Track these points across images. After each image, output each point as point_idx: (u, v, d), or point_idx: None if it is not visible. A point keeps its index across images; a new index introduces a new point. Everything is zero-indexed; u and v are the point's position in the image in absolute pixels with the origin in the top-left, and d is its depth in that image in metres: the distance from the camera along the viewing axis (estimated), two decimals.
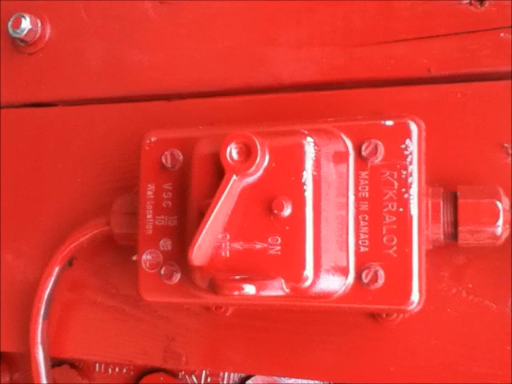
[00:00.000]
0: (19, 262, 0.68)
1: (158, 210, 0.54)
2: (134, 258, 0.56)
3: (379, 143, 0.49)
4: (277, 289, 0.47)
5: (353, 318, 0.57)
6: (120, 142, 0.66)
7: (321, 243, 0.48)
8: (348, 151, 0.50)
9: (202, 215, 0.48)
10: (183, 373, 0.72)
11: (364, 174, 0.50)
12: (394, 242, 0.49)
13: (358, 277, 0.49)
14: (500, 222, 0.50)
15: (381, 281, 0.48)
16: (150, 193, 0.54)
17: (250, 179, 0.48)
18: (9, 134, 0.70)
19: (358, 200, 0.50)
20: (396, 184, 0.49)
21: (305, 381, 0.66)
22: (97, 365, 0.74)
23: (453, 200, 0.51)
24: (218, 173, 0.49)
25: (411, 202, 0.49)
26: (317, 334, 0.58)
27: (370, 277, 0.49)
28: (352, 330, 0.58)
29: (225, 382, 0.71)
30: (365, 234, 0.49)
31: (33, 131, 0.69)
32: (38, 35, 0.68)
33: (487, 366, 0.54)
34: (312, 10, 0.60)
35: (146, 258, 0.54)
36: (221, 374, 0.71)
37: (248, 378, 0.70)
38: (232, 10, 0.63)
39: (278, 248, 0.48)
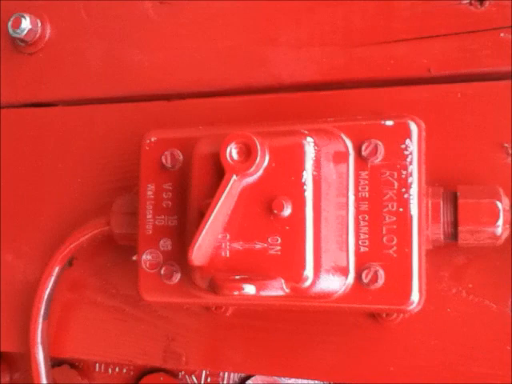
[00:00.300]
0: (19, 261, 0.68)
1: (158, 210, 0.54)
2: (134, 257, 0.56)
3: (379, 143, 0.49)
4: (277, 289, 0.47)
5: (353, 318, 0.57)
6: (120, 141, 0.66)
7: (321, 243, 0.48)
8: (348, 151, 0.50)
9: (202, 215, 0.48)
10: (183, 373, 0.72)
11: (364, 173, 0.50)
12: (394, 242, 0.49)
13: (358, 277, 0.49)
14: (500, 222, 0.50)
15: (381, 281, 0.48)
16: (149, 193, 0.54)
17: (250, 179, 0.48)
18: (9, 134, 0.70)
19: (358, 200, 0.50)
20: (396, 184, 0.49)
21: (305, 381, 0.66)
22: (97, 365, 0.74)
23: (453, 200, 0.51)
24: (218, 173, 0.49)
25: (411, 202, 0.49)
26: (317, 334, 0.58)
27: (369, 277, 0.49)
28: (352, 330, 0.58)
29: (225, 382, 0.71)
30: (365, 234, 0.49)
31: (33, 131, 0.69)
32: (38, 35, 0.68)
33: (487, 366, 0.54)
34: (312, 10, 0.60)
35: (146, 257, 0.54)
36: (221, 374, 0.71)
37: (248, 377, 0.70)
38: (232, 10, 0.63)
39: (278, 248, 0.48)
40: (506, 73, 0.55)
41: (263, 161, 0.48)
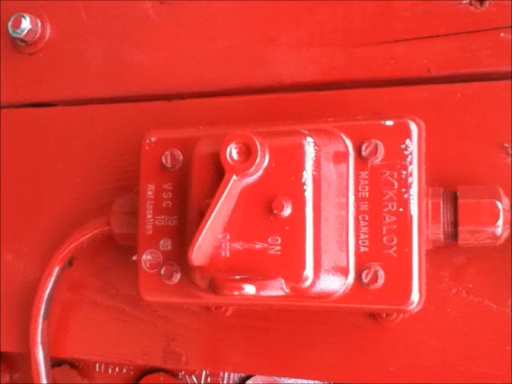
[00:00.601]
0: (19, 262, 0.68)
1: (158, 210, 0.54)
2: (134, 257, 0.56)
3: (379, 143, 0.49)
4: (277, 289, 0.47)
5: (353, 318, 0.57)
6: (120, 141, 0.66)
7: (321, 243, 0.48)
8: (348, 151, 0.50)
9: (202, 215, 0.48)
10: (183, 373, 0.72)
11: (364, 173, 0.50)
12: (394, 242, 0.49)
13: (358, 277, 0.49)
14: (500, 222, 0.50)
15: (381, 281, 0.48)
16: (149, 193, 0.54)
17: (250, 179, 0.48)
18: (9, 134, 0.70)
19: (358, 200, 0.50)
20: (396, 184, 0.49)
21: (305, 381, 0.66)
22: (97, 365, 0.74)
23: (453, 200, 0.51)
24: (218, 173, 0.49)
25: (411, 202, 0.49)
26: (317, 334, 0.58)
27: (369, 277, 0.49)
28: (352, 330, 0.58)
29: (225, 382, 0.71)
30: (365, 233, 0.49)
31: (33, 131, 0.69)
32: (38, 35, 0.68)
33: (487, 366, 0.54)
34: (312, 10, 0.60)
35: (146, 257, 0.54)
36: (221, 374, 0.71)
37: (248, 377, 0.70)
38: (232, 10, 0.63)
39: (278, 248, 0.48)
40: (506, 73, 0.55)
41: (263, 161, 0.48)
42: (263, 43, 0.62)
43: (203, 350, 0.63)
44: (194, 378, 0.72)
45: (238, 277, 0.47)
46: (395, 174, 0.49)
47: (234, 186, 0.48)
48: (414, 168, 0.49)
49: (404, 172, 0.49)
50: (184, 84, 0.64)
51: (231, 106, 0.62)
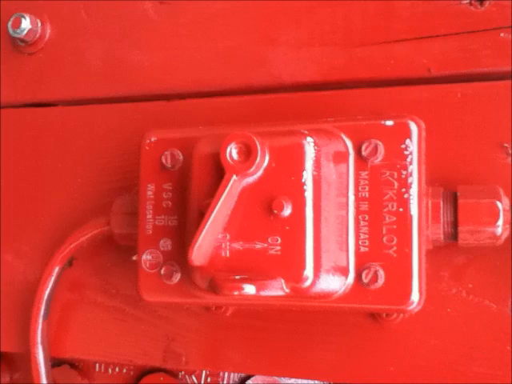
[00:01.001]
0: (19, 261, 0.68)
1: (158, 210, 0.54)
2: (134, 257, 0.56)
3: (379, 143, 0.49)
4: (277, 289, 0.47)
5: (353, 318, 0.57)
6: (120, 142, 0.66)
7: (321, 243, 0.48)
8: (348, 151, 0.50)
9: (202, 215, 0.48)
10: (183, 373, 0.72)
11: (364, 173, 0.50)
12: (394, 242, 0.49)
13: (358, 277, 0.49)
14: (500, 222, 0.50)
15: (381, 281, 0.48)
16: (150, 193, 0.54)
17: (250, 179, 0.48)
18: (9, 134, 0.70)
19: (357, 200, 0.50)
20: (396, 184, 0.49)
21: (305, 381, 0.66)
22: (97, 365, 0.74)
23: (453, 200, 0.51)
24: (218, 173, 0.49)
25: (411, 202, 0.49)
26: (317, 333, 0.58)
27: (369, 277, 0.49)
28: (352, 330, 0.58)
29: (225, 381, 0.71)
30: (365, 234, 0.49)
31: (33, 131, 0.69)
32: (38, 35, 0.68)
33: (487, 366, 0.54)
34: (312, 10, 0.60)
35: (146, 257, 0.54)
36: (221, 373, 0.71)
37: (248, 377, 0.70)
38: (232, 10, 0.63)
39: (278, 248, 0.48)
40: (506, 73, 0.55)
41: (263, 161, 0.48)
42: (263, 43, 0.62)
43: (203, 350, 0.63)
44: (194, 378, 0.72)
45: (238, 277, 0.47)
46: (395, 173, 0.49)
47: (233, 186, 0.48)
48: (414, 168, 0.49)
49: (404, 172, 0.49)
50: (184, 84, 0.64)
51: (231, 106, 0.62)
